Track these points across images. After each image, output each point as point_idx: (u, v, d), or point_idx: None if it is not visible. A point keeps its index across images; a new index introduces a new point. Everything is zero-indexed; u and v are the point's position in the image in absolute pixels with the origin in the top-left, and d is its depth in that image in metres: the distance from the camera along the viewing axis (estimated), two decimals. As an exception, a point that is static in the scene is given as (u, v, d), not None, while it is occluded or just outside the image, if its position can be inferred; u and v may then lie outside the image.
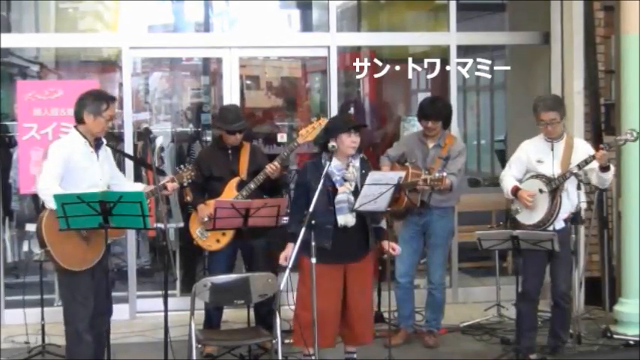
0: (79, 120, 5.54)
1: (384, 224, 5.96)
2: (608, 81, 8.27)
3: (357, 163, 5.82)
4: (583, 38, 7.87)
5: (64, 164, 5.41)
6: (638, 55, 6.91)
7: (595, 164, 6.00)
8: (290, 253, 5.60)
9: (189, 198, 6.50)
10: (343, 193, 5.69)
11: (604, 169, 6.02)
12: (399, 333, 6.95)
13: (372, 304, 6.11)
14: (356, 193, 5.72)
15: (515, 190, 6.20)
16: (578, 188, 5.95)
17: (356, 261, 5.78)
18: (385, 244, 5.93)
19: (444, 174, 6.39)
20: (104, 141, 5.66)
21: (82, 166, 5.47)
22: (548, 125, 6.13)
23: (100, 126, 5.55)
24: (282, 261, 5.73)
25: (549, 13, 8.12)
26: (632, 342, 6.81)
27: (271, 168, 6.49)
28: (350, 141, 5.71)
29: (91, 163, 5.53)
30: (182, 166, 6.16)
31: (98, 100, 5.56)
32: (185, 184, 6.10)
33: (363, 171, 5.81)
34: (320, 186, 5.50)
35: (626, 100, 7.05)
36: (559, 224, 6.11)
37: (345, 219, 5.68)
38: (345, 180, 5.73)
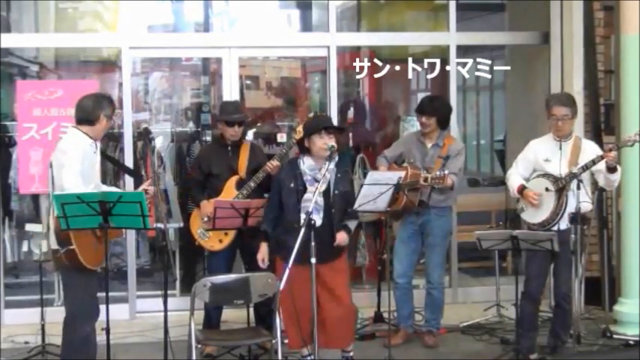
0: (92, 120, 5.52)
1: (352, 225, 5.91)
2: (608, 81, 8.27)
3: (331, 165, 5.70)
4: (583, 38, 7.86)
5: (82, 162, 5.40)
6: (638, 55, 6.91)
7: (602, 165, 5.99)
8: (265, 252, 5.79)
9: None
10: (311, 193, 5.60)
11: (611, 170, 6.02)
12: (399, 333, 6.94)
13: (352, 309, 5.95)
14: (327, 195, 5.71)
15: (521, 189, 6.21)
16: (578, 188, 5.95)
17: (325, 263, 5.65)
18: (338, 235, 5.80)
19: (446, 172, 6.40)
20: (97, 143, 5.69)
21: (90, 165, 5.49)
22: (559, 121, 6.14)
23: (105, 129, 5.66)
24: (260, 263, 5.82)
25: (549, 13, 8.11)
26: (631, 342, 6.81)
27: (271, 165, 6.50)
28: (322, 142, 5.67)
29: (95, 164, 5.57)
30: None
31: (111, 103, 5.66)
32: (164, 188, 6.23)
33: (339, 175, 5.78)
34: (292, 185, 5.63)
35: (626, 100, 7.04)
36: (564, 224, 6.10)
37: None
38: (316, 181, 5.66)
